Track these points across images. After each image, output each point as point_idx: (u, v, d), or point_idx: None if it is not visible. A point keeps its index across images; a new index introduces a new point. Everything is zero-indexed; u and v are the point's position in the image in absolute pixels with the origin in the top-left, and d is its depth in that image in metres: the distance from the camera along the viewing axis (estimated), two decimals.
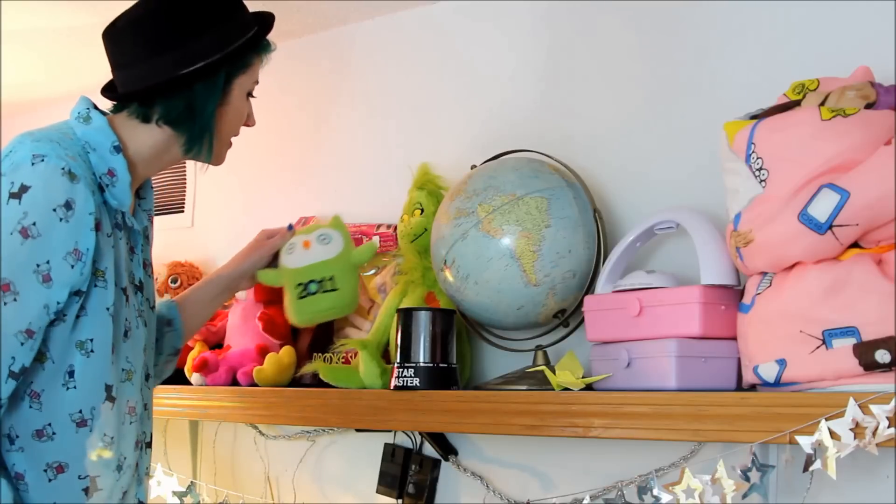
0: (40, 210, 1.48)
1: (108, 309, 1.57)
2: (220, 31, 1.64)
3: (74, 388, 1.54)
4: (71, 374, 1.54)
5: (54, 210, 1.49)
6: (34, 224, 1.47)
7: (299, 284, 1.96)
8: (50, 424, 1.54)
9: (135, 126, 1.67)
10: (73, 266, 1.50)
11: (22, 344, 1.47)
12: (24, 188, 1.48)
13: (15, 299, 1.46)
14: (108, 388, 1.58)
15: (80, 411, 1.55)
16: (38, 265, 1.48)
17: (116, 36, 1.66)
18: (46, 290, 1.49)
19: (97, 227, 1.55)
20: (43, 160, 1.50)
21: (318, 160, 2.62)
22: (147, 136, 1.67)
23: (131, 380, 1.64)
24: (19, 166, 1.50)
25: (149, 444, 1.74)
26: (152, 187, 1.79)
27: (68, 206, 1.50)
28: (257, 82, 1.75)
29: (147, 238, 1.78)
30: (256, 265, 1.98)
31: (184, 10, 1.64)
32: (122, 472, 1.63)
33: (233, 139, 1.77)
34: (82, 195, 1.52)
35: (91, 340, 1.55)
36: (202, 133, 1.67)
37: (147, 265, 1.77)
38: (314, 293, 1.95)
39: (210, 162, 1.75)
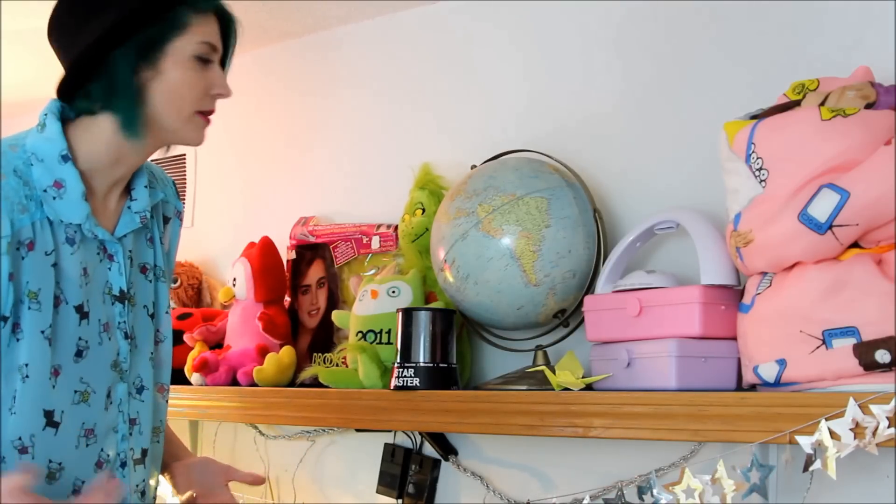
0: None
1: (42, 332, 1.51)
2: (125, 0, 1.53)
3: (14, 413, 1.50)
4: (15, 398, 1.51)
5: None
6: None
7: (358, 332, 2.08)
8: None
9: (88, 125, 1.58)
10: None
11: None
12: None
13: None
14: (49, 414, 1.52)
15: (20, 438, 1.50)
16: None
17: (50, 34, 1.60)
18: None
19: (29, 247, 1.50)
20: None
21: (319, 160, 2.62)
22: (100, 133, 1.57)
23: (87, 401, 1.56)
24: None
25: (140, 461, 1.66)
26: (149, 186, 1.68)
27: None
28: (214, 46, 1.59)
29: (150, 240, 1.70)
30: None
31: None
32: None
33: (207, 115, 1.61)
34: None
35: (26, 365, 1.50)
36: (129, 107, 1.55)
37: (148, 269, 1.69)
38: (371, 343, 2.07)
39: (180, 141, 1.63)
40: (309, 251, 2.43)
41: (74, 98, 1.58)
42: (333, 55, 2.61)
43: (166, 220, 1.76)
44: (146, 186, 1.67)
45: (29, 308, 1.50)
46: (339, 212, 2.51)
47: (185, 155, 2.95)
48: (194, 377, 2.35)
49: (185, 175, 2.95)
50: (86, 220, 1.56)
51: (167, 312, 1.73)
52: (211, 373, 2.33)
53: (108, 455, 1.61)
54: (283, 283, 2.44)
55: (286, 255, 2.47)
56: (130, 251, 1.66)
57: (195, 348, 2.42)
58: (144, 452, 1.68)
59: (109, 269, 1.62)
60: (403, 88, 2.46)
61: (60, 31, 1.58)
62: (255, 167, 2.78)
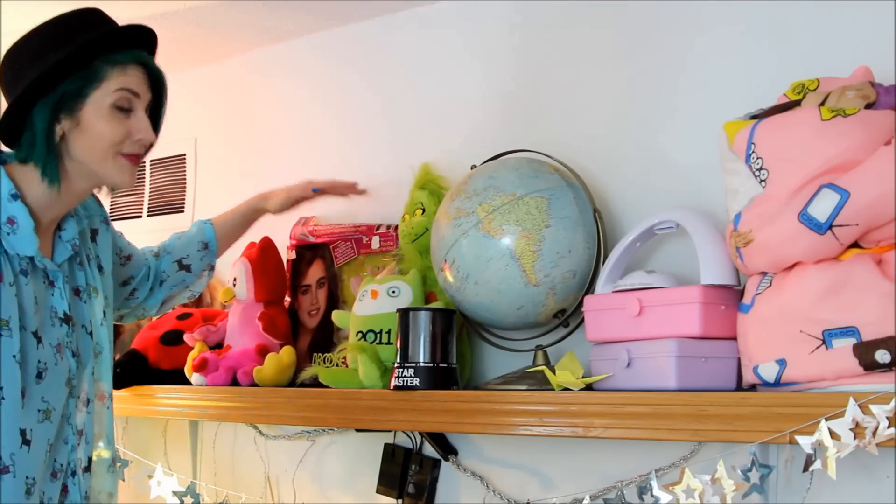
0: None
1: (14, 356, 1.60)
2: (50, 56, 1.63)
3: None
4: None
5: None
6: None
7: (358, 332, 2.08)
8: None
9: (24, 171, 1.67)
10: None
11: None
12: None
13: None
14: (23, 433, 1.61)
15: (1, 458, 1.59)
16: None
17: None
18: None
19: None
20: None
21: (318, 160, 2.62)
22: (33, 178, 1.67)
23: (50, 418, 1.66)
24: None
25: (87, 468, 1.76)
26: (75, 215, 1.77)
27: None
28: (135, 93, 1.67)
29: (80, 263, 1.77)
30: (277, 197, 2.14)
31: (31, 42, 1.67)
32: None
33: (134, 157, 1.69)
34: None
35: (1, 388, 1.59)
36: (46, 158, 1.65)
37: (81, 290, 1.77)
38: (371, 343, 2.06)
39: (108, 184, 1.72)
40: (309, 251, 2.43)
41: (11, 146, 1.69)
42: (333, 55, 2.61)
43: (96, 232, 1.85)
44: (71, 215, 1.77)
45: (1, 335, 1.59)
46: (339, 212, 2.51)
47: (184, 155, 2.95)
48: (194, 377, 2.35)
49: (185, 175, 2.95)
50: (37, 252, 1.66)
51: (102, 324, 1.81)
52: (211, 373, 2.33)
53: (61, 465, 1.71)
54: (283, 283, 2.44)
55: (286, 255, 2.47)
56: (66, 276, 1.74)
57: (195, 348, 2.42)
58: (90, 461, 1.77)
59: (52, 294, 1.71)
60: (403, 88, 2.46)
61: (2, 85, 1.70)
62: (255, 167, 2.78)
